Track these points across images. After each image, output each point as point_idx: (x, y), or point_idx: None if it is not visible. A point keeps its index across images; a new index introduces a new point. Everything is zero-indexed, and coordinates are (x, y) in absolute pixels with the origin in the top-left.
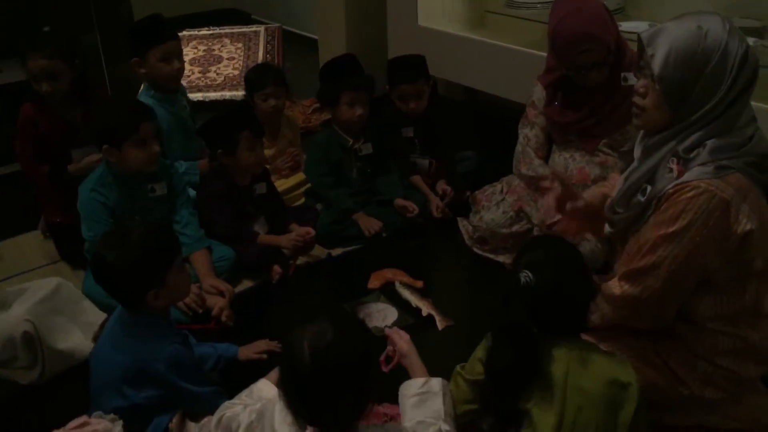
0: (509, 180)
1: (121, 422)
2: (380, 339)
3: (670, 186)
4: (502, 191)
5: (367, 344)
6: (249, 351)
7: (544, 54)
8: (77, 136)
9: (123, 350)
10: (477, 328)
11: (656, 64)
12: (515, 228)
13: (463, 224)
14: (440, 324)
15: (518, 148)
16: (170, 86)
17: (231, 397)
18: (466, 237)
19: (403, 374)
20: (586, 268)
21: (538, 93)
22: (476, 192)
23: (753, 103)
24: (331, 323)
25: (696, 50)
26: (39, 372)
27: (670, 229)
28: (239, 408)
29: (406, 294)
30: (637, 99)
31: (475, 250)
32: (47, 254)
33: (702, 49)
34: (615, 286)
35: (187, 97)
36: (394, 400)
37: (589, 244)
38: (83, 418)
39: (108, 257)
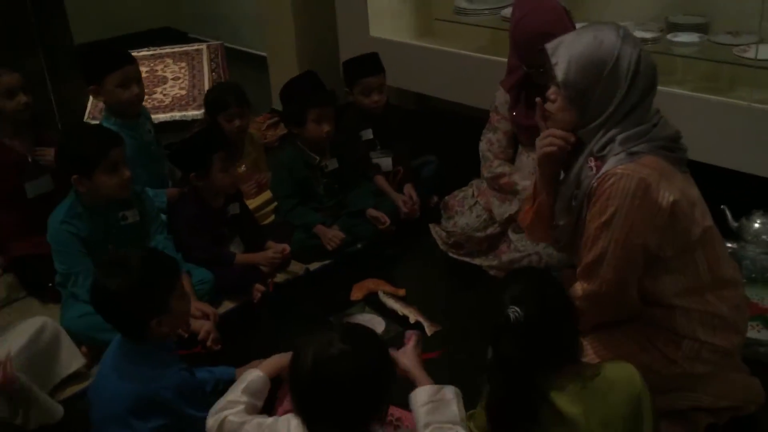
0: (478, 183)
1: None
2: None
3: (593, 181)
4: (473, 195)
5: (375, 361)
6: None
7: (494, 57)
8: (29, 168)
9: (130, 380)
10: (465, 331)
11: (559, 72)
12: (489, 231)
13: (435, 230)
14: (429, 330)
15: (481, 153)
16: (131, 111)
17: None
18: (440, 242)
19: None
20: (565, 291)
21: (501, 98)
22: (447, 197)
23: (700, 94)
24: (340, 336)
25: (592, 58)
26: (21, 422)
27: (603, 218)
28: (240, 410)
29: (391, 303)
30: (548, 104)
31: (451, 254)
32: (13, 289)
33: (598, 57)
34: (576, 288)
35: (151, 121)
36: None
37: None
38: None
39: (110, 285)
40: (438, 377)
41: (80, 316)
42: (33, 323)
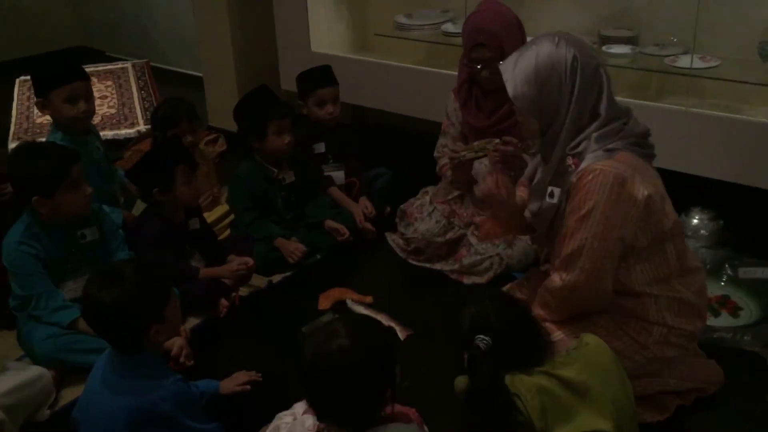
0: (433, 191)
1: None
2: None
3: (573, 177)
4: (430, 202)
5: (374, 353)
6: (231, 384)
7: (433, 70)
8: None
9: (126, 394)
10: (436, 333)
11: (509, 89)
12: (449, 235)
13: (392, 239)
14: (402, 334)
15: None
16: (77, 128)
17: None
18: (398, 250)
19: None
20: (518, 301)
21: (451, 104)
22: (403, 206)
23: (640, 101)
24: (341, 329)
25: (532, 69)
26: None
27: (583, 212)
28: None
29: (361, 310)
30: (518, 117)
31: (411, 261)
32: None
33: (536, 67)
34: (555, 279)
35: (99, 138)
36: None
37: (521, 244)
38: None
39: (106, 298)
40: (414, 383)
41: (46, 338)
42: (31, 371)
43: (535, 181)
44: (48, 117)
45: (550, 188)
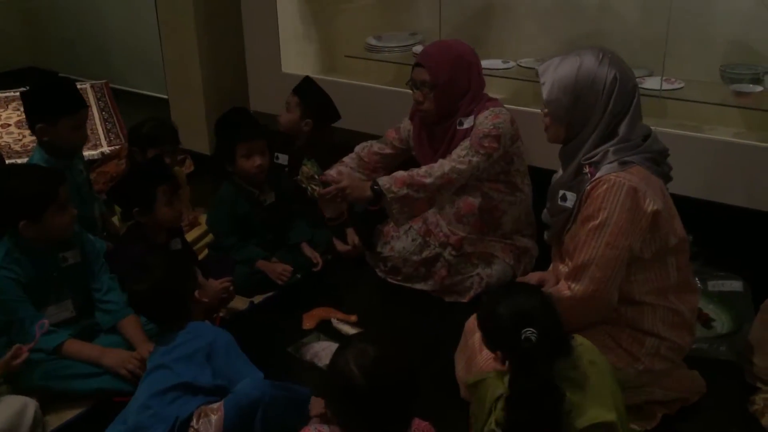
0: None
1: None
2: None
3: (587, 185)
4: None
5: (406, 353)
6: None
7: (402, 90)
8: None
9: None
10: (422, 349)
11: (544, 92)
12: (425, 254)
13: (371, 258)
14: None
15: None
16: (72, 153)
17: None
18: (377, 269)
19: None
20: (544, 293)
21: (406, 124)
22: (379, 226)
23: None
24: (367, 342)
25: (571, 80)
26: None
27: (596, 222)
28: None
29: (347, 329)
30: (544, 119)
31: (389, 280)
32: None
33: (575, 79)
34: (563, 288)
35: (84, 162)
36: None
37: (500, 264)
38: None
39: (144, 285)
40: None
41: (31, 364)
42: (17, 402)
43: (552, 183)
44: (6, 139)
45: (562, 192)
